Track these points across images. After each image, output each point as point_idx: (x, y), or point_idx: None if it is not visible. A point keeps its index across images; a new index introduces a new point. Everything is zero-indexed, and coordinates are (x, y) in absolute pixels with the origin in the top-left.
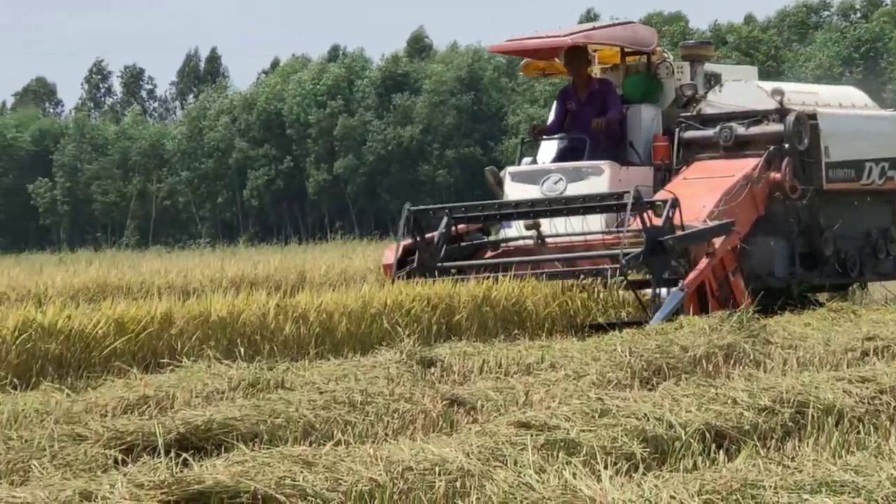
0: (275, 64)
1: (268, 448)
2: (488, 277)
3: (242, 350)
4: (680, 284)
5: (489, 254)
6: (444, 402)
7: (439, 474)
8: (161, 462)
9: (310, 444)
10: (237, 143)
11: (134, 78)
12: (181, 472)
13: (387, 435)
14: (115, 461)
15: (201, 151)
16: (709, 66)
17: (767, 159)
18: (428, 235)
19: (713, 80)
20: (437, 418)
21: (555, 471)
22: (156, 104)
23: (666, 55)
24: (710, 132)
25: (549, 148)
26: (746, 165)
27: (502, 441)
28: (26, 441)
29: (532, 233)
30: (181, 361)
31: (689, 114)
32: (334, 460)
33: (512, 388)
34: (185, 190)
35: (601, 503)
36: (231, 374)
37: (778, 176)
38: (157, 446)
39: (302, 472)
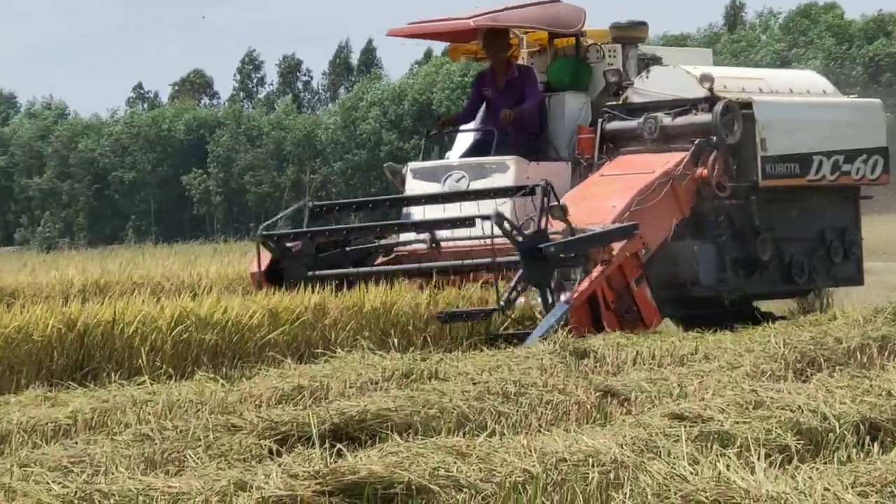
0: (428, 55)
1: (422, 439)
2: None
3: (396, 341)
4: (566, 296)
5: (380, 260)
6: (597, 394)
7: (593, 466)
8: (315, 452)
9: (463, 435)
10: (384, 136)
11: (290, 69)
12: (335, 462)
13: (540, 426)
14: (270, 451)
15: (354, 142)
16: (646, 50)
17: (694, 154)
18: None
19: (650, 65)
20: (590, 409)
21: (709, 462)
22: (309, 95)
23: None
24: (634, 123)
25: (465, 141)
26: (669, 161)
27: (656, 432)
28: (181, 431)
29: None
30: (335, 352)
31: (614, 103)
32: (488, 451)
33: (665, 380)
34: (338, 180)
35: (755, 495)
36: (385, 365)
37: (704, 172)
38: (311, 437)
39: (456, 462)
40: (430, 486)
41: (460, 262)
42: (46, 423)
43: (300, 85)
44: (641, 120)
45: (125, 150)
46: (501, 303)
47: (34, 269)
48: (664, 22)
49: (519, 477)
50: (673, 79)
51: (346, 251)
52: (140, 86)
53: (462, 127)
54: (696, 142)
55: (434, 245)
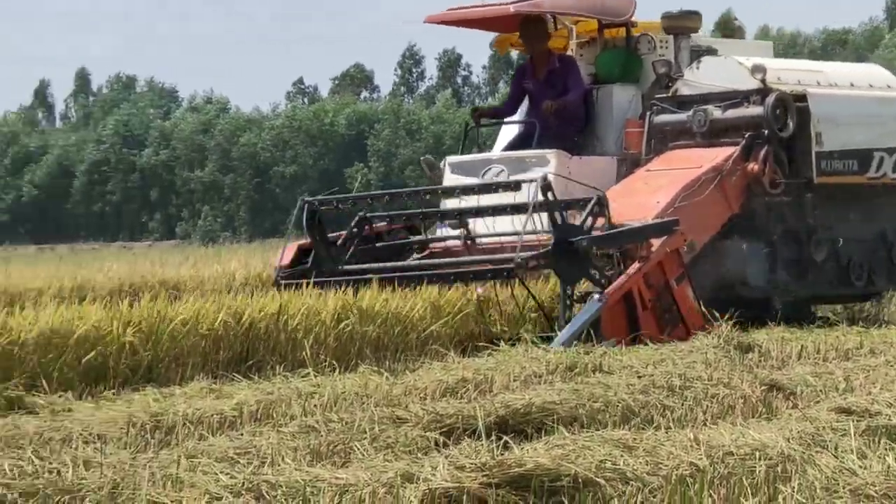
0: None
1: (587, 432)
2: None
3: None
4: (598, 294)
5: (414, 256)
6: (762, 388)
7: (760, 459)
8: (482, 445)
9: (629, 429)
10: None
11: (450, 63)
12: (502, 454)
13: (706, 420)
14: (436, 443)
15: None
16: (699, 40)
17: (745, 148)
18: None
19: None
20: (755, 403)
21: (877, 457)
22: (469, 90)
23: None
24: (683, 116)
25: (508, 134)
26: (718, 155)
27: (823, 427)
28: (347, 423)
29: (460, 232)
30: (498, 345)
31: (663, 95)
32: (654, 444)
33: (831, 374)
34: None
35: None
36: (548, 358)
37: (755, 167)
38: (476, 429)
39: (622, 455)
40: (597, 478)
41: (483, 257)
42: (212, 415)
43: (460, 79)
44: (690, 113)
45: (286, 144)
46: (519, 259)
47: (196, 262)
48: (816, 17)
49: (685, 470)
50: (724, 70)
51: (376, 247)
52: (300, 80)
53: (501, 119)
54: (746, 136)
55: (469, 241)
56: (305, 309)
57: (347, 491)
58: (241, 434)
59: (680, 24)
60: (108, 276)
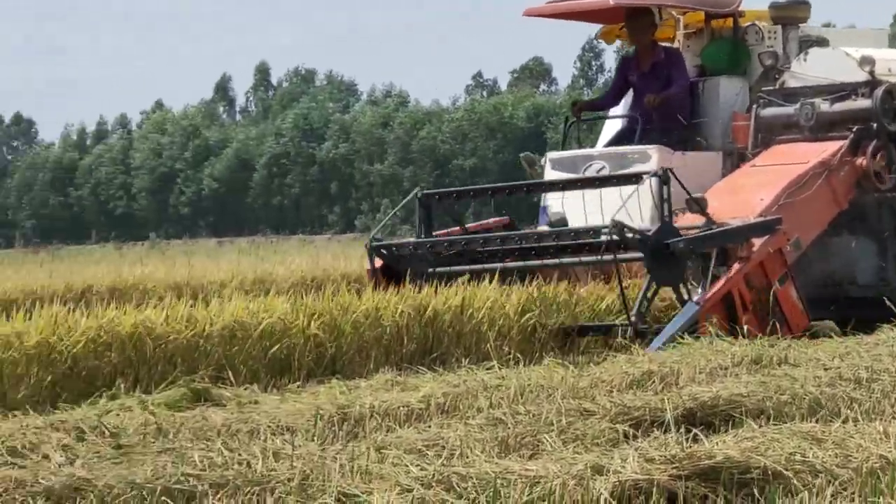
0: None
1: (775, 424)
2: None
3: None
4: (695, 297)
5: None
6: None
7: None
8: (671, 437)
9: (816, 421)
10: None
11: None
12: (691, 447)
13: (894, 413)
14: (624, 435)
15: None
16: (811, 31)
17: (853, 142)
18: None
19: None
20: None
21: None
22: None
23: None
24: (790, 110)
25: (612, 128)
26: (826, 150)
27: None
28: (534, 415)
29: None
30: (682, 338)
31: (770, 88)
32: (843, 437)
33: None
34: None
35: None
36: (734, 351)
37: (863, 162)
38: (664, 421)
39: (811, 448)
40: (786, 471)
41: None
42: (399, 407)
43: None
44: (798, 106)
45: (465, 137)
46: (632, 317)
47: None
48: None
49: (875, 462)
50: (832, 61)
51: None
52: (479, 74)
53: (602, 113)
54: (854, 129)
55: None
56: (490, 302)
57: (538, 483)
58: (429, 426)
59: (788, 14)
60: (289, 269)
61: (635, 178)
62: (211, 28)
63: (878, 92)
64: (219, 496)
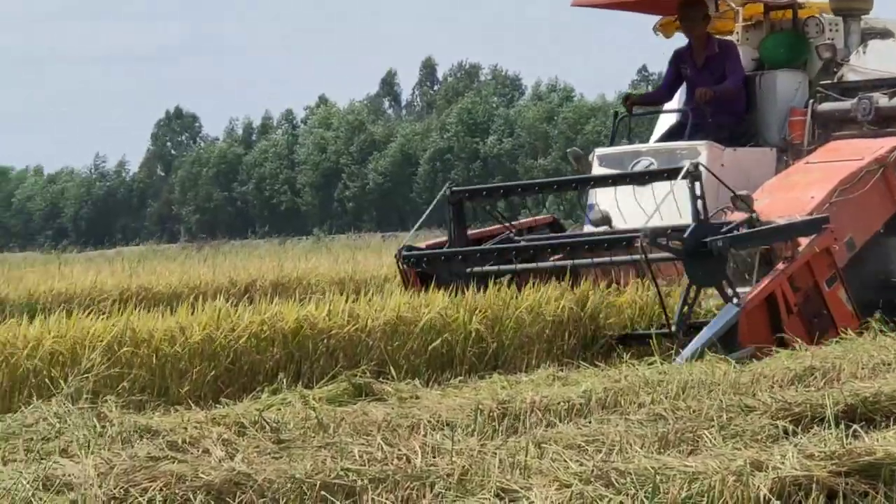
0: None
1: None
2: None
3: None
4: (738, 298)
5: (554, 257)
6: None
7: None
8: (831, 433)
9: None
10: None
11: None
12: (850, 443)
13: None
14: (784, 431)
15: None
16: (873, 22)
17: None
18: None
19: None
20: None
21: None
22: None
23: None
24: (848, 104)
25: (666, 123)
26: (883, 146)
27: None
28: (694, 411)
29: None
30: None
31: (828, 81)
32: None
33: None
34: None
35: None
36: None
37: None
38: (824, 417)
39: None
40: None
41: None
42: (559, 402)
43: None
44: (855, 101)
45: (632, 132)
46: (674, 326)
47: None
48: None
49: None
50: (892, 54)
51: (512, 247)
52: (644, 68)
53: (654, 108)
54: None
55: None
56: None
57: (696, 479)
58: (589, 421)
59: (850, 5)
60: None
61: (668, 174)
62: (377, 23)
63: None
64: (378, 491)
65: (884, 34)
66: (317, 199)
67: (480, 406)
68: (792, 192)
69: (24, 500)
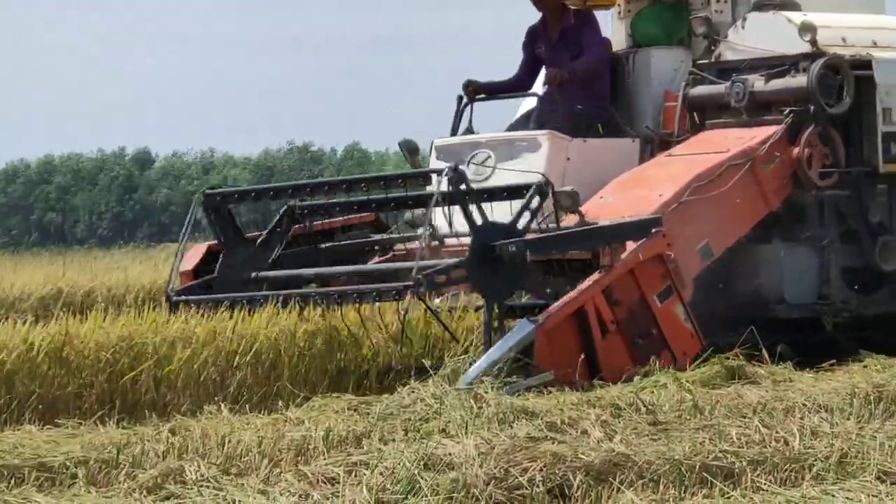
0: None
1: None
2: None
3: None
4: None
5: (375, 260)
6: None
7: None
8: None
9: None
10: None
11: None
12: None
13: None
14: None
15: None
16: None
17: (790, 128)
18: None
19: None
20: None
21: None
22: None
23: None
24: (721, 88)
25: (528, 107)
26: (755, 137)
27: None
28: None
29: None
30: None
31: (704, 61)
32: None
33: None
34: None
35: None
36: None
37: (797, 153)
38: None
39: None
40: None
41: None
42: None
43: None
44: (728, 84)
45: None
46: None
47: None
48: None
49: None
50: (773, 29)
51: (318, 248)
52: None
53: (499, 94)
54: (788, 112)
55: (437, 241)
56: None
57: None
58: None
59: None
60: None
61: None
62: None
63: (816, 66)
64: (757, 473)
65: (786, 6)
66: None
67: (856, 389)
68: (641, 189)
69: (407, 478)
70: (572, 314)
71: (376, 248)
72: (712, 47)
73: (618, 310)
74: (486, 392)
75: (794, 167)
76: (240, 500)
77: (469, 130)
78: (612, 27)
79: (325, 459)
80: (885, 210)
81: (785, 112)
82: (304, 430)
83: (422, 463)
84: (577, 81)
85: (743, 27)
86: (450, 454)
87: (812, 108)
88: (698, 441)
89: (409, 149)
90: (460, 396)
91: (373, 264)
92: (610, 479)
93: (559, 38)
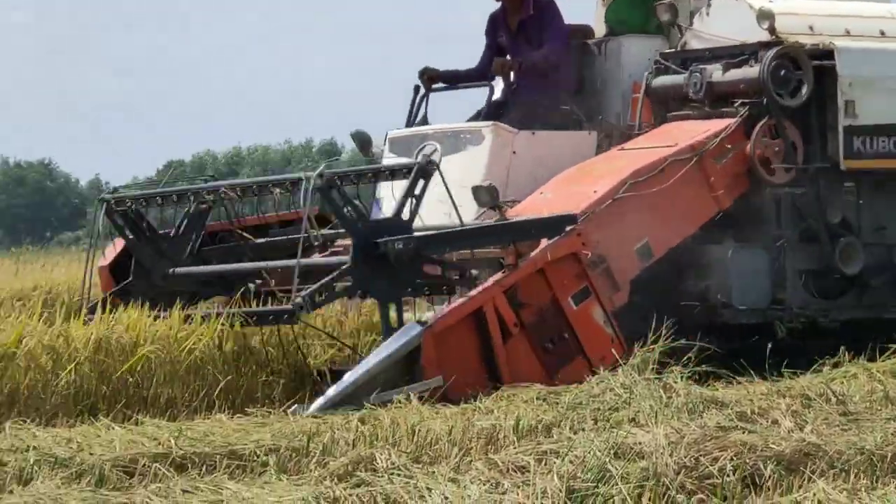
0: None
1: None
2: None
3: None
4: (428, 315)
5: (316, 256)
6: None
7: None
8: None
9: None
10: None
11: None
12: None
13: None
14: None
15: None
16: None
17: (745, 121)
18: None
19: None
20: None
21: None
22: None
23: None
24: (681, 79)
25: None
26: (707, 130)
27: None
28: None
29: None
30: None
31: (668, 51)
32: None
33: None
34: None
35: None
36: None
37: (749, 147)
38: None
39: None
40: None
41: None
42: None
43: None
44: (687, 74)
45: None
46: (298, 299)
47: None
48: None
49: None
50: (735, 16)
51: (249, 244)
52: None
53: (457, 83)
54: (740, 104)
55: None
56: None
57: None
58: None
59: None
60: None
61: (392, 173)
62: None
63: (769, 56)
64: None
65: None
66: None
67: None
68: (579, 185)
69: (597, 467)
70: (469, 316)
71: (316, 244)
72: (679, 35)
73: (524, 312)
74: (675, 382)
75: (746, 163)
76: (431, 488)
77: (424, 121)
78: (595, 14)
79: (514, 448)
80: (846, 209)
81: (741, 104)
82: (493, 420)
83: (612, 451)
84: (532, 72)
85: (707, 14)
86: (640, 443)
87: (765, 100)
88: (889, 431)
89: (362, 140)
90: (650, 386)
91: (311, 259)
92: (801, 468)
93: (519, 28)
